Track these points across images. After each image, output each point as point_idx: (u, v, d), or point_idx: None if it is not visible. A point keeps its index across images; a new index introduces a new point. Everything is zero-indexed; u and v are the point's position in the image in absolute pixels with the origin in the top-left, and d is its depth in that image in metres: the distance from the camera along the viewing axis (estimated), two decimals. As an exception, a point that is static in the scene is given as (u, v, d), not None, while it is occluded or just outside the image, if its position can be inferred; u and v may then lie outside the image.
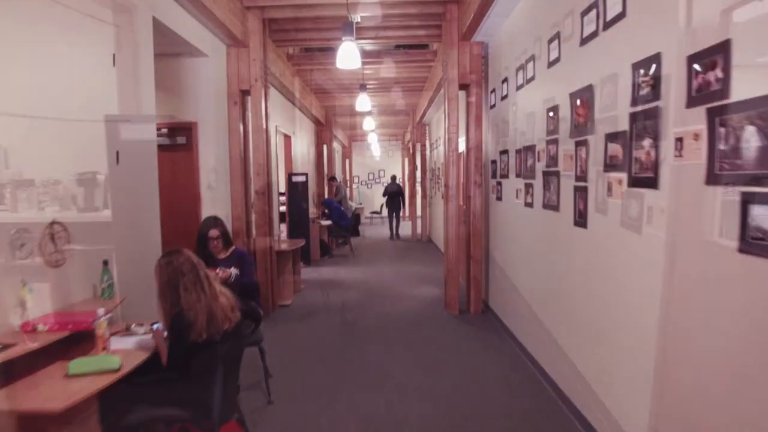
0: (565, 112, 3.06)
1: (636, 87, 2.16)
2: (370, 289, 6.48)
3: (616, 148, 2.35)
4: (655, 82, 2.01)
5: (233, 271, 3.15)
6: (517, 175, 4.23)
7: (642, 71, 2.11)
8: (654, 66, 2.02)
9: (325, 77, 8.33)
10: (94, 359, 1.95)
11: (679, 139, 1.82)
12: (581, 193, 2.79)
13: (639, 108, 2.13)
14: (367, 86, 8.30)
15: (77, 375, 1.85)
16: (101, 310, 2.12)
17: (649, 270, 2.06)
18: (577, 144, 2.83)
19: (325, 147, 11.54)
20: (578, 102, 2.81)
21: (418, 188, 12.41)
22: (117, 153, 2.83)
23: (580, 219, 2.80)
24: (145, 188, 2.96)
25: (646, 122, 2.08)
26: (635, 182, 2.17)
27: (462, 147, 5.70)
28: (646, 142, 2.06)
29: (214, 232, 3.18)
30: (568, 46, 3.00)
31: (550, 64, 3.34)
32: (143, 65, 3.12)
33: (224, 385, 2.11)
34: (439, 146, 13.56)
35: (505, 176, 4.63)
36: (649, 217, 2.06)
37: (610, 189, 2.40)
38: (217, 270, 3.06)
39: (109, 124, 2.75)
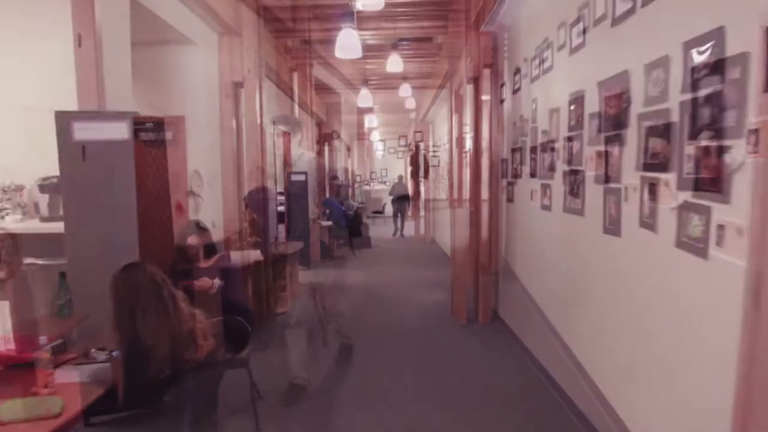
0: (591, 103, 2.70)
1: (689, 70, 1.80)
2: (371, 294, 6.14)
3: (660, 144, 1.99)
4: (717, 63, 1.65)
5: (216, 281, 2.81)
6: (532, 175, 3.87)
7: (697, 50, 1.75)
8: (715, 43, 1.66)
9: (326, 72, 7.99)
10: (28, 402, 1.60)
11: (754, 131, 1.46)
12: (613, 196, 2.43)
13: (693, 95, 1.77)
14: (369, 82, 7.96)
15: (8, 422, 1.51)
16: (43, 338, 1.78)
17: (720, 300, 1.65)
18: (608, 140, 2.47)
19: (326, 145, 11.19)
20: (609, 91, 2.45)
21: (422, 188, 12.08)
22: (83, 148, 2.48)
23: (612, 225, 2.44)
24: (118, 191, 2.60)
25: (702, 111, 1.72)
26: (686, 184, 1.81)
27: (469, 145, 5.34)
28: (704, 136, 1.70)
29: (193, 239, 2.84)
30: (596, 28, 2.63)
31: (573, 50, 2.98)
32: (116, 53, 2.77)
33: (194, 425, 1.77)
34: (444, 144, 13.23)
35: (518, 176, 4.27)
36: (719, 238, 1.64)
37: (653, 192, 2.04)
38: (196, 281, 2.72)
39: (61, 122, 2.40)
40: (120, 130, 2.46)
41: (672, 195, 1.90)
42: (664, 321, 2.00)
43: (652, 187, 2.04)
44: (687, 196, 1.81)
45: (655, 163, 2.03)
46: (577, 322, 3.02)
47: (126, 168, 2.60)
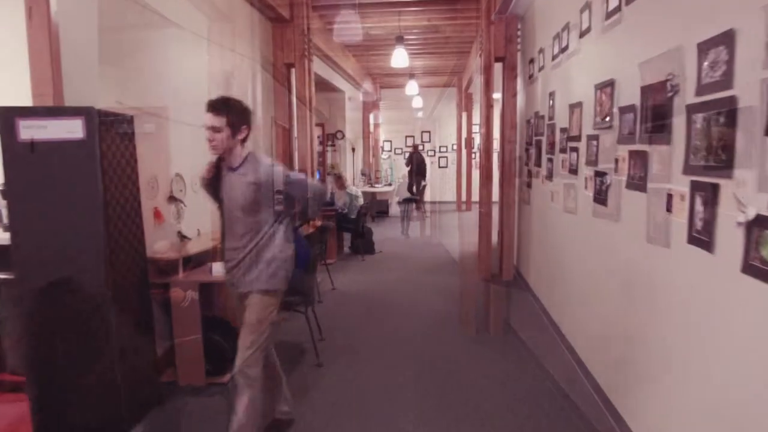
0: (627, 91, 2.32)
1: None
2: (371, 300, 5.78)
3: (727, 135, 1.60)
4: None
5: (189, 293, 2.46)
6: (549, 177, 3.51)
7: (780, 18, 1.38)
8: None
9: (329, 69, 7.64)
10: None
11: None
12: (658, 199, 2.05)
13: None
14: (374, 79, 7.62)
15: None
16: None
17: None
18: (650, 132, 2.10)
19: (329, 143, 10.86)
20: (648, 79, 2.08)
21: (428, 189, 11.77)
22: (32, 144, 2.13)
23: (658, 234, 2.06)
24: (79, 196, 2.24)
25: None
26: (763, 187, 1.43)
27: (478, 143, 4.98)
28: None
29: (168, 248, 2.50)
30: (629, 6, 2.27)
31: (601, 34, 2.61)
32: (78, 33, 2.43)
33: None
34: (452, 144, 12.88)
35: (534, 176, 3.90)
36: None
37: (711, 200, 1.66)
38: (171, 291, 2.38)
39: (5, 119, 2.07)
40: (74, 129, 2.11)
41: (739, 204, 1.52)
42: (728, 364, 1.62)
43: (711, 193, 1.66)
44: (762, 205, 1.43)
45: (715, 165, 1.64)
46: (601, 343, 2.65)
47: (89, 170, 2.25)
